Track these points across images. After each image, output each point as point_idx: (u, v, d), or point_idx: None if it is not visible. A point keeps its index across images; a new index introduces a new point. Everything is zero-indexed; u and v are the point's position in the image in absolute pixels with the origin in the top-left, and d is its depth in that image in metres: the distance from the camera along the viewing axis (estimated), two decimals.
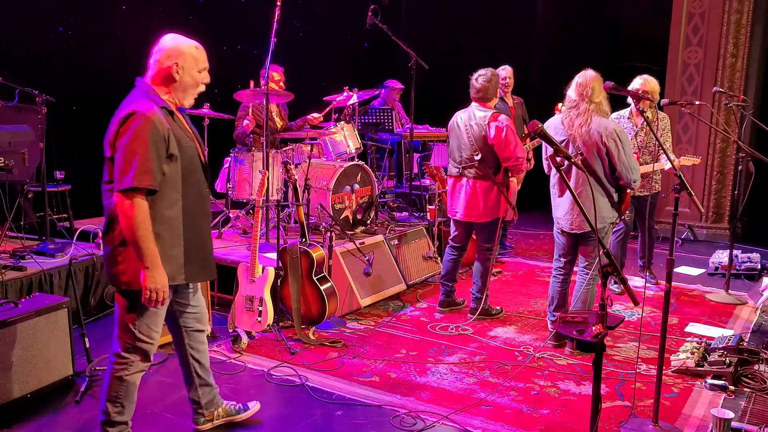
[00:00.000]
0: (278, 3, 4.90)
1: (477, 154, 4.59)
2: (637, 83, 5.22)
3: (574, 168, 4.05)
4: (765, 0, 7.41)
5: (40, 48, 5.84)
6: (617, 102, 5.83)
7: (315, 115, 6.19)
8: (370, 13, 6.28)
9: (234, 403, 3.34)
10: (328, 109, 6.26)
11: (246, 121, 5.74)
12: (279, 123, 6.17)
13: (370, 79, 7.87)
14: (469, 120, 4.66)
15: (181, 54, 2.76)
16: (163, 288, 2.70)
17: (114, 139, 2.64)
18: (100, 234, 4.95)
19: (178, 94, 2.81)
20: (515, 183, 4.80)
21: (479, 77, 4.67)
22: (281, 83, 6.07)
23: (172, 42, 2.79)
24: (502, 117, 4.60)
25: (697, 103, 5.37)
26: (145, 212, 2.62)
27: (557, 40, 9.33)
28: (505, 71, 6.36)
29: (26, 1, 5.75)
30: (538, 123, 2.52)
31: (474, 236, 5.00)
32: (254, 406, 3.37)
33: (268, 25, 4.95)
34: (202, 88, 2.87)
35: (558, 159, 2.51)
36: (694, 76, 7.60)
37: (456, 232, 4.95)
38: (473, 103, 4.72)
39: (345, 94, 6.22)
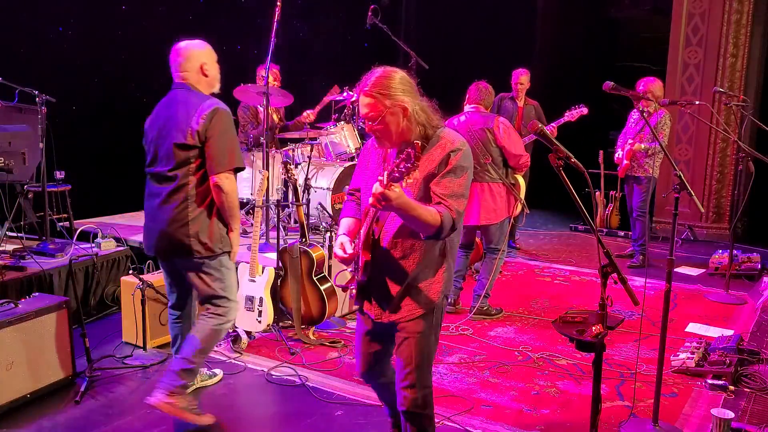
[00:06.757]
0: (278, 3, 4.90)
1: (487, 157, 4.65)
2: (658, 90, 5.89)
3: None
4: (765, 0, 7.41)
5: (40, 48, 5.84)
6: (617, 100, 5.86)
7: (308, 112, 6.15)
8: (370, 13, 6.29)
9: (204, 370, 3.76)
10: (320, 106, 6.22)
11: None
12: (276, 118, 6.15)
13: None
14: (471, 125, 4.69)
15: (203, 55, 3.26)
16: (238, 246, 3.39)
17: (204, 129, 3.07)
18: (100, 231, 4.98)
19: (212, 85, 3.32)
20: (522, 181, 4.92)
21: (482, 84, 4.80)
22: (276, 82, 6.05)
23: (191, 48, 3.25)
24: (503, 118, 4.76)
25: (697, 103, 5.37)
26: (236, 186, 3.24)
27: (557, 39, 9.32)
28: (518, 75, 6.58)
29: (26, 1, 5.75)
30: (538, 123, 2.53)
31: (481, 236, 5.03)
32: (219, 373, 3.84)
33: (268, 25, 4.96)
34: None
35: (560, 162, 2.51)
36: (694, 76, 7.60)
37: (463, 238, 4.96)
38: (470, 107, 4.79)
39: (345, 94, 6.22)
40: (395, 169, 2.07)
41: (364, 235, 2.44)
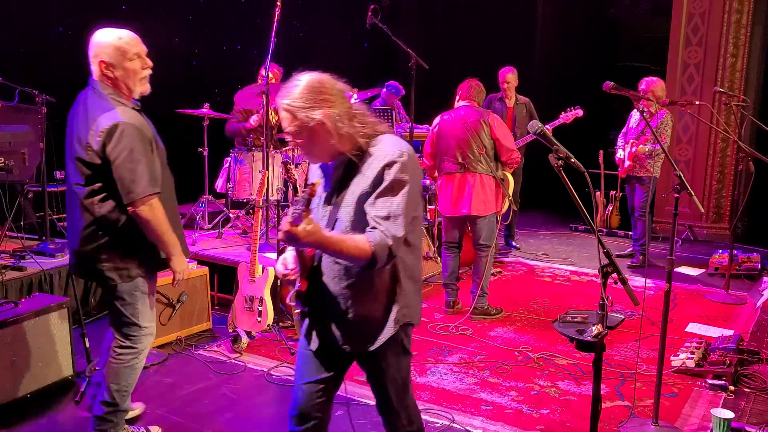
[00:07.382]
0: (278, 3, 4.90)
1: (481, 148, 4.72)
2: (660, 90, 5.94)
3: None
4: (765, 0, 7.41)
5: (40, 48, 5.84)
6: (617, 100, 5.86)
7: None
8: (370, 13, 6.28)
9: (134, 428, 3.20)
10: None
11: (255, 117, 5.73)
12: (274, 118, 6.13)
13: (370, 79, 7.87)
14: (466, 118, 4.77)
15: (103, 51, 2.71)
16: (185, 270, 2.96)
17: (101, 149, 2.64)
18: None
19: (122, 89, 2.76)
20: (511, 178, 5.09)
21: (474, 82, 4.93)
22: (278, 82, 6.06)
23: (94, 40, 2.74)
24: (496, 115, 4.90)
25: (697, 103, 5.37)
26: (162, 210, 2.77)
27: (557, 40, 9.32)
28: (505, 74, 6.55)
29: (26, 1, 5.74)
30: (538, 123, 2.53)
31: (471, 234, 5.05)
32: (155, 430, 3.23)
33: (268, 25, 4.95)
34: (146, 72, 2.80)
35: (560, 162, 2.50)
36: (694, 76, 7.60)
37: (452, 230, 5.01)
38: (464, 102, 4.88)
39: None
40: (294, 211, 1.89)
41: (296, 262, 2.19)
